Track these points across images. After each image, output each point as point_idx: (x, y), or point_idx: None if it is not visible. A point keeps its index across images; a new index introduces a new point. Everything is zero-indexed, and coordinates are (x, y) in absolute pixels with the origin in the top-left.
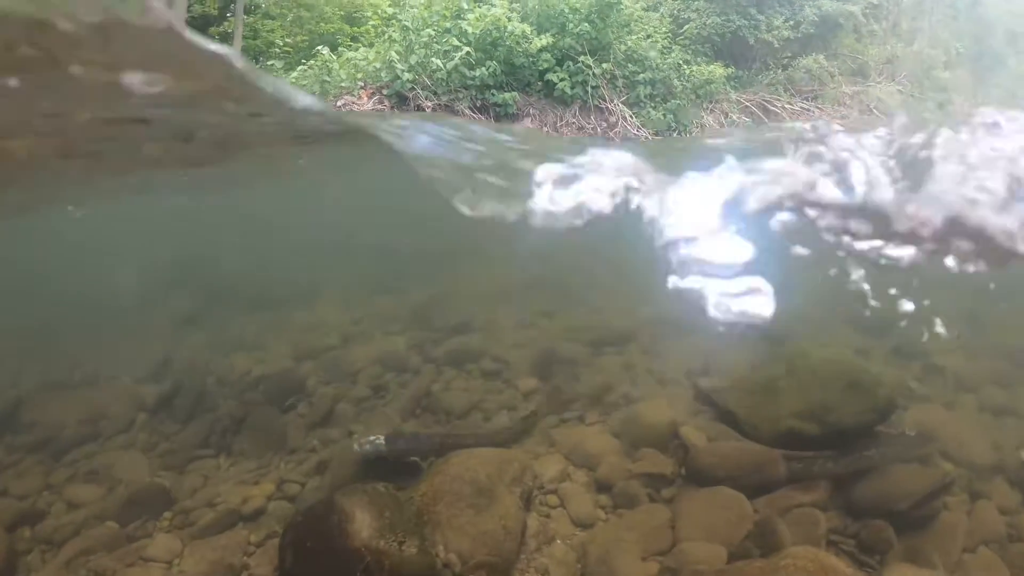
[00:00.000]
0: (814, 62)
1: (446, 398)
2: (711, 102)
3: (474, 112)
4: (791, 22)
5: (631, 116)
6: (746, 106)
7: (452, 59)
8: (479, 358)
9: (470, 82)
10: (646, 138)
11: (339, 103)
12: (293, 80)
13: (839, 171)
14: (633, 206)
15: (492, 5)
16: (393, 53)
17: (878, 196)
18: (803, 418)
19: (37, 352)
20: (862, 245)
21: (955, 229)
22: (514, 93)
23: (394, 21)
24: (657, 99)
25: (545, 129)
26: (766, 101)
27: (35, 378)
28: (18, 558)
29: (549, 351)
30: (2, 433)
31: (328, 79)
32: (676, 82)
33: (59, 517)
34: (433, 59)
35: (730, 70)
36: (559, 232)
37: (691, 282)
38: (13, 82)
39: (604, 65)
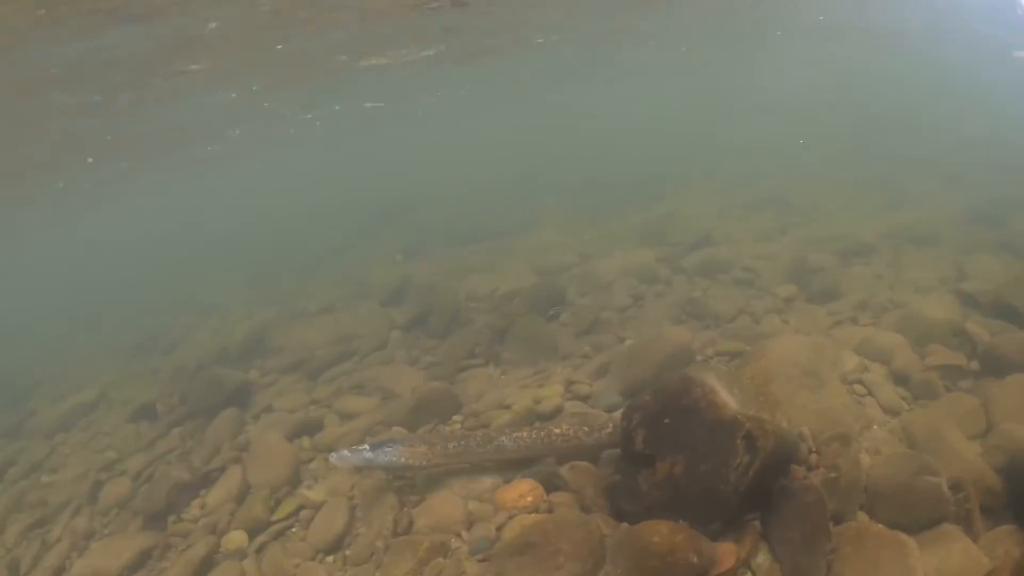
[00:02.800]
0: None
1: (711, 304)
2: None
3: None
4: None
5: None
6: None
7: None
8: (728, 268)
9: None
10: None
11: None
12: None
13: None
14: None
15: None
16: None
17: None
18: None
19: (267, 288)
20: None
21: None
22: None
23: None
24: None
25: None
26: None
27: (273, 310)
28: (301, 466)
29: (799, 260)
30: (253, 358)
31: None
32: None
33: (336, 427)
34: None
35: None
36: None
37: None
38: None
39: None
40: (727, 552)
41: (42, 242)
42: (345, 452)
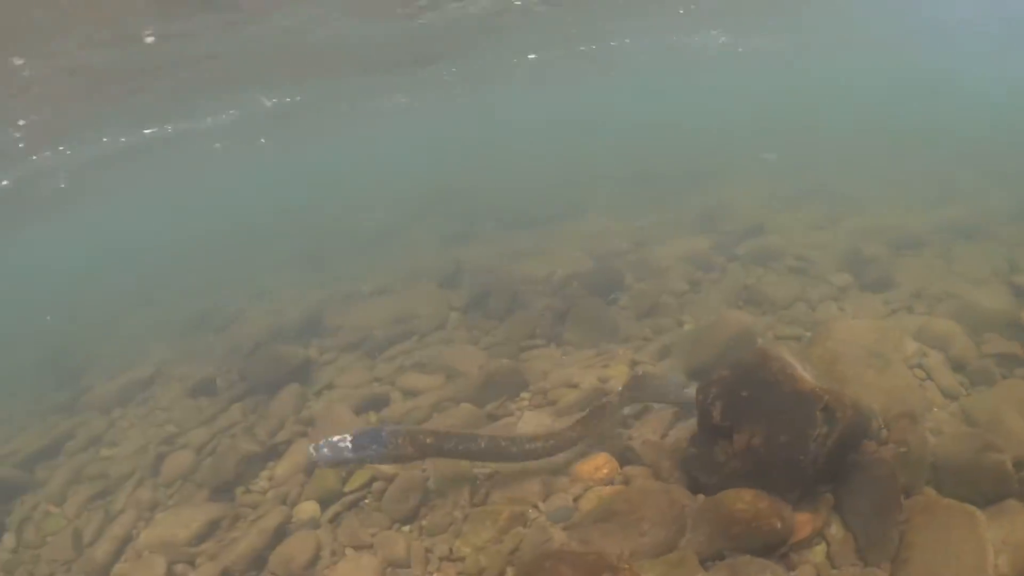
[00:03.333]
0: None
1: (767, 291)
2: None
3: None
4: None
5: None
6: None
7: None
8: (781, 256)
9: None
10: None
11: None
12: None
13: None
14: None
15: None
16: None
17: None
18: None
19: (317, 270)
20: None
21: None
22: None
23: None
24: None
25: None
26: None
27: (325, 292)
28: None
29: (852, 250)
30: (310, 337)
31: None
32: None
33: (401, 403)
34: None
35: None
36: None
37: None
38: None
39: None
40: (804, 521)
41: (95, 217)
42: (324, 448)
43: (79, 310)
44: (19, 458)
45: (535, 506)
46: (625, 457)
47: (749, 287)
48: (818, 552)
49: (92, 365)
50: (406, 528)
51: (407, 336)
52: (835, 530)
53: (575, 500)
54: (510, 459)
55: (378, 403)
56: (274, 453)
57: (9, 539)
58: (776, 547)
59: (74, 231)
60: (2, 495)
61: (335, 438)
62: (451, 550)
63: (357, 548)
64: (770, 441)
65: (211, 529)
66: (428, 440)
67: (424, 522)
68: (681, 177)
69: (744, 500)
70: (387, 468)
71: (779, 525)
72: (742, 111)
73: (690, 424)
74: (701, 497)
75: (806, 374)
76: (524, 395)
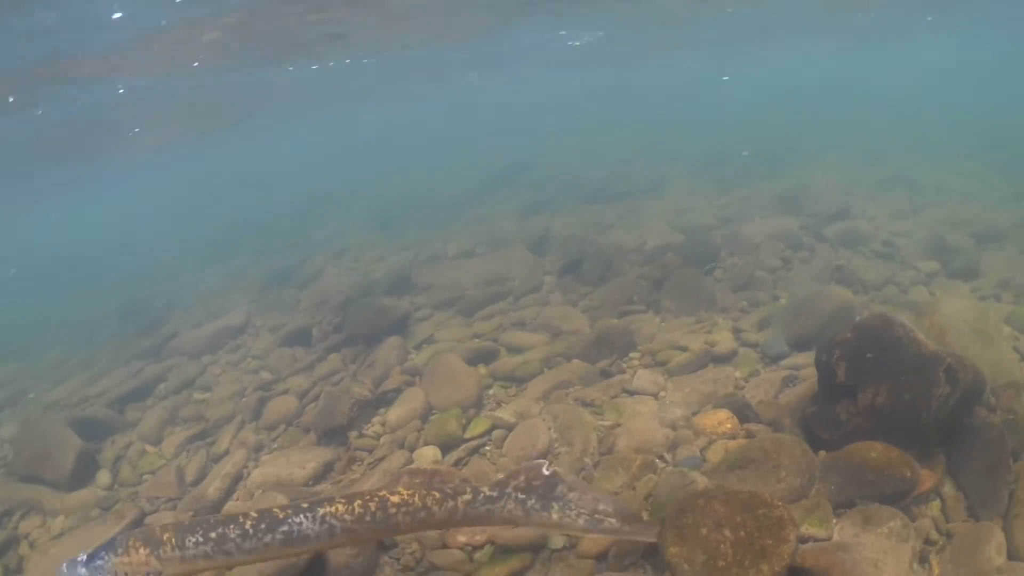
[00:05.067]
0: None
1: (858, 272)
2: None
3: None
4: None
5: None
6: None
7: None
8: (868, 241)
9: None
10: None
11: None
12: None
13: None
14: None
15: None
16: None
17: None
18: None
19: (395, 232)
20: None
21: None
22: None
23: None
24: None
25: None
26: None
27: (408, 253)
28: (482, 391)
29: (937, 239)
30: (401, 294)
31: None
32: None
33: (508, 358)
34: None
35: None
36: None
37: None
38: None
39: None
40: (927, 476)
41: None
42: (64, 568)
43: (153, 264)
44: (108, 399)
45: (661, 456)
46: (743, 415)
47: (840, 268)
48: (934, 507)
49: (172, 315)
50: None
51: (501, 297)
52: (948, 488)
53: (701, 451)
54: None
55: (486, 357)
56: (383, 401)
57: (104, 477)
58: (903, 496)
59: (149, 190)
60: (93, 434)
61: (79, 555)
62: None
63: None
64: (894, 399)
65: (326, 471)
66: (165, 536)
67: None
68: (750, 160)
69: (876, 450)
70: (508, 416)
71: (908, 474)
72: (820, 98)
73: (800, 388)
74: (822, 453)
75: (929, 338)
76: (633, 355)
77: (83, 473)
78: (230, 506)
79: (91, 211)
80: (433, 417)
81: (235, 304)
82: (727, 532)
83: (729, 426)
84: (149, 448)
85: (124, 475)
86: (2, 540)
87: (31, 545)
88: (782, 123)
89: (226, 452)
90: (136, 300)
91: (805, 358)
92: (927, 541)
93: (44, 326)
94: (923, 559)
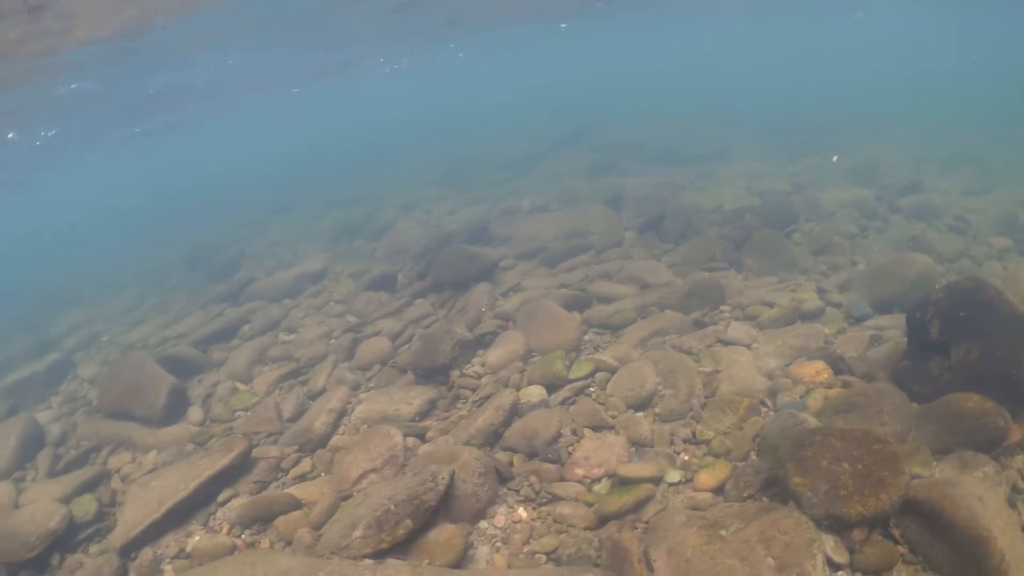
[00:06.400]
0: None
1: (932, 244)
2: None
3: None
4: None
5: None
6: None
7: None
8: (941, 215)
9: None
10: None
11: None
12: None
13: None
14: None
15: None
16: None
17: None
18: None
19: (460, 188)
20: None
21: None
22: None
23: None
24: None
25: None
26: None
27: (481, 207)
28: (580, 336)
29: (1009, 217)
30: (481, 243)
31: None
32: None
33: (601, 307)
34: None
35: None
36: None
37: None
38: None
39: None
40: (1017, 428)
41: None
42: None
43: (216, 217)
44: (191, 340)
45: (763, 401)
46: (837, 367)
47: (915, 238)
48: (1019, 460)
49: (244, 262)
50: (639, 414)
51: (583, 250)
52: None
53: (801, 397)
54: None
55: (580, 304)
56: (480, 343)
57: (195, 413)
58: (995, 444)
59: (210, 145)
60: (179, 372)
61: None
62: (693, 434)
63: (597, 428)
64: (986, 356)
65: (430, 407)
66: None
67: (658, 409)
68: (815, 129)
69: (973, 400)
70: (610, 360)
71: (1002, 424)
72: (885, 71)
73: (887, 346)
74: (914, 405)
75: (1018, 302)
76: (724, 308)
77: (175, 409)
78: (336, 440)
79: (152, 165)
80: (534, 359)
81: (306, 253)
82: (845, 465)
83: (826, 376)
84: (240, 386)
85: (216, 411)
86: (93, 475)
87: (123, 479)
88: (845, 93)
89: (323, 390)
90: (203, 248)
91: (888, 320)
92: (1015, 489)
93: (111, 273)
94: (1011, 504)
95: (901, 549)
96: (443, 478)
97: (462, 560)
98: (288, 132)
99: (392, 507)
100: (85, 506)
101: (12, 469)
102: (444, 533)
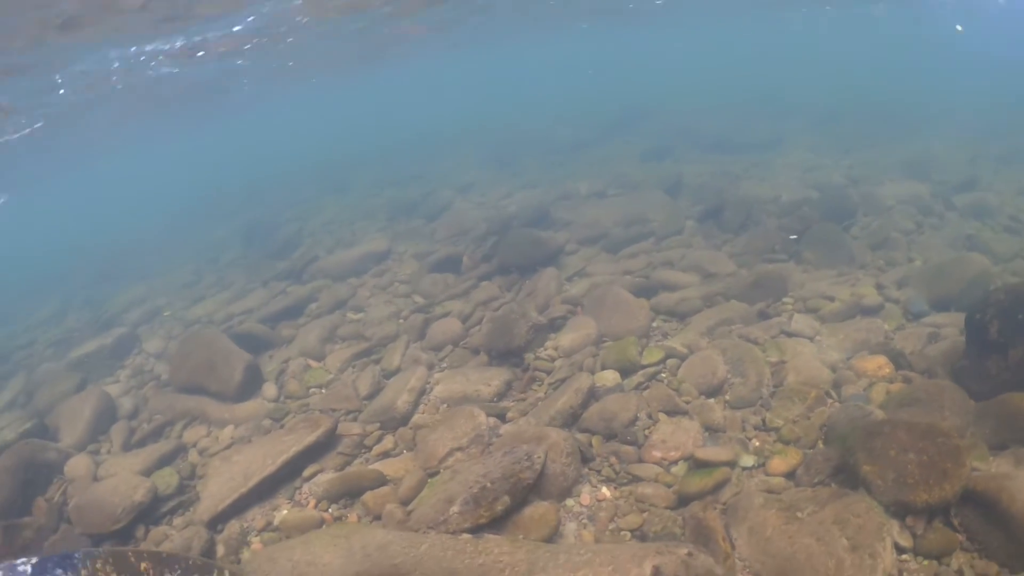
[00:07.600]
0: None
1: (988, 243)
2: None
3: None
4: None
5: None
6: None
7: None
8: (996, 214)
9: None
10: None
11: None
12: None
13: None
14: None
15: None
16: None
17: None
18: None
19: (514, 173)
20: None
21: None
22: None
23: None
24: None
25: None
26: None
27: (537, 191)
28: (649, 323)
29: None
30: (543, 227)
31: None
32: None
33: (667, 294)
34: None
35: None
36: None
37: None
38: None
39: None
40: None
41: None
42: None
43: (271, 194)
44: (258, 316)
45: (828, 392)
46: (898, 362)
47: (971, 237)
48: None
49: (304, 239)
50: (711, 401)
51: (643, 237)
52: None
53: (864, 391)
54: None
55: (647, 291)
56: (552, 327)
57: (269, 389)
58: None
59: (263, 126)
60: (249, 349)
61: (18, 561)
62: (763, 421)
63: (671, 413)
64: None
65: (506, 388)
66: (143, 565)
67: (728, 397)
68: (871, 120)
69: None
70: (679, 347)
71: None
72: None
73: (944, 344)
74: (972, 402)
75: None
76: (786, 300)
77: (250, 385)
78: (417, 418)
79: (209, 144)
80: (607, 344)
81: (364, 232)
82: (911, 455)
83: (888, 371)
84: (312, 363)
85: (291, 388)
86: (170, 448)
87: (200, 453)
88: (896, 85)
89: (398, 369)
90: (259, 225)
91: (944, 318)
92: None
93: (168, 250)
94: None
95: (960, 537)
96: (539, 457)
97: (553, 536)
98: (337, 117)
99: (488, 484)
100: (166, 479)
101: (87, 441)
102: (539, 509)
